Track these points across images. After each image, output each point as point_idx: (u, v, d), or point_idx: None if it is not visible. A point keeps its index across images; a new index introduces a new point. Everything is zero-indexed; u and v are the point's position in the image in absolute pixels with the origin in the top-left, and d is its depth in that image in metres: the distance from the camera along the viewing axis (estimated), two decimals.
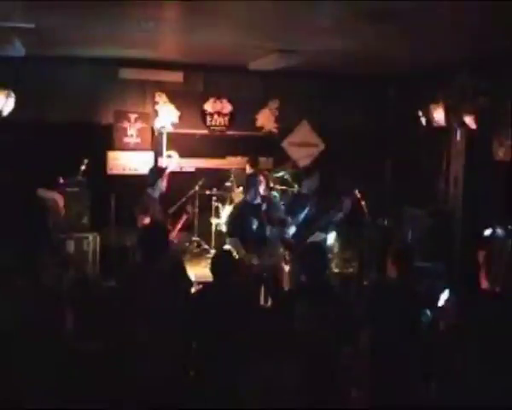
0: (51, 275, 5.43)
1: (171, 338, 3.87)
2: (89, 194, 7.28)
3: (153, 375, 3.69)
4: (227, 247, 6.19)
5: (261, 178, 6.21)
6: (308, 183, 6.45)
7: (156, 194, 6.02)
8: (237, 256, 5.53)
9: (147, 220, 5.83)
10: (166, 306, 3.92)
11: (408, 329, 3.92)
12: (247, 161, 8.01)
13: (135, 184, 7.84)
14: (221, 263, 4.16)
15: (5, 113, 6.92)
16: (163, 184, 6.06)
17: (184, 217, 6.14)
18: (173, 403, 3.71)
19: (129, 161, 8.38)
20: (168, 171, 6.35)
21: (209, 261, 4.33)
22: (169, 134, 8.48)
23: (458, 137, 7.44)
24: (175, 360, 3.91)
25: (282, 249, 6.18)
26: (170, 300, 3.94)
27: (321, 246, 5.76)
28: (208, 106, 8.69)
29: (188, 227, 7.38)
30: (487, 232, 5.63)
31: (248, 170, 7.78)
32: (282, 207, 6.60)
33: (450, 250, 7.00)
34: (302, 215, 6.28)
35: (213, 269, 4.13)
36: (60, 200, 6.72)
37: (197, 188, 7.91)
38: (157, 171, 6.34)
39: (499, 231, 5.34)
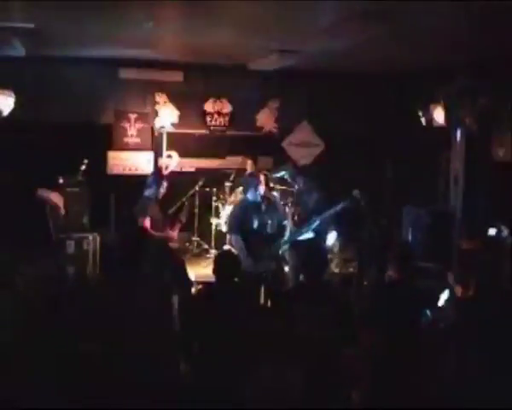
0: (51, 275, 5.43)
1: (169, 339, 3.87)
2: (89, 194, 7.27)
3: (152, 375, 3.69)
4: (227, 246, 6.20)
5: (261, 177, 6.20)
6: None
7: (154, 196, 6.04)
8: (237, 253, 5.52)
9: (147, 222, 5.85)
10: (165, 308, 3.94)
11: (408, 329, 3.92)
12: (249, 159, 8.05)
13: (135, 184, 7.86)
14: (224, 264, 4.15)
15: (5, 113, 6.92)
16: (163, 186, 6.08)
17: (178, 225, 6.20)
18: (173, 404, 3.71)
19: (129, 161, 8.38)
20: (167, 173, 6.37)
21: (209, 261, 4.34)
22: (169, 134, 8.48)
23: (458, 137, 7.44)
24: (174, 361, 3.91)
25: (281, 250, 6.17)
26: (169, 302, 3.95)
27: (320, 246, 5.78)
28: (208, 106, 8.69)
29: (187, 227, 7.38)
30: (492, 232, 5.64)
31: (249, 169, 7.78)
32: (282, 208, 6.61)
33: (450, 250, 7.00)
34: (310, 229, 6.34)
35: (216, 269, 4.12)
36: (60, 200, 6.72)
37: (197, 188, 7.90)
38: (157, 174, 6.34)
39: (504, 230, 5.36)
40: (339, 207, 6.25)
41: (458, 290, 4.00)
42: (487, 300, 3.74)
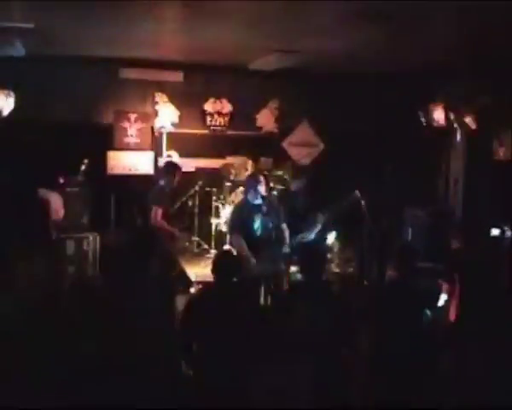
0: (51, 275, 5.43)
1: (170, 339, 3.87)
2: (89, 194, 7.28)
3: (152, 375, 3.70)
4: (227, 246, 6.20)
5: (262, 178, 6.21)
6: (296, 183, 6.70)
7: (168, 185, 6.15)
8: (237, 254, 5.53)
9: (160, 212, 5.94)
10: (167, 308, 3.94)
11: (408, 329, 3.92)
12: (251, 159, 8.08)
13: (135, 184, 7.87)
14: (223, 264, 4.15)
15: (5, 113, 6.92)
16: (175, 180, 6.19)
17: (179, 224, 6.33)
18: (173, 404, 3.71)
19: (129, 161, 8.37)
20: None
21: (209, 261, 4.33)
22: (169, 134, 8.48)
23: (458, 137, 7.44)
24: (173, 360, 3.91)
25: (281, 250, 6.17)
26: (172, 302, 3.95)
27: (319, 246, 5.79)
28: (208, 106, 8.68)
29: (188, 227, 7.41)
30: (495, 232, 5.65)
31: (250, 169, 7.79)
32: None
33: (450, 250, 7.00)
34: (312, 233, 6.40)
35: (215, 270, 4.12)
36: (60, 200, 6.72)
37: (197, 188, 7.90)
38: (171, 167, 6.44)
39: (508, 231, 5.37)
40: (343, 204, 6.31)
41: (445, 288, 4.04)
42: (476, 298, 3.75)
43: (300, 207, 6.70)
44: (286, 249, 6.05)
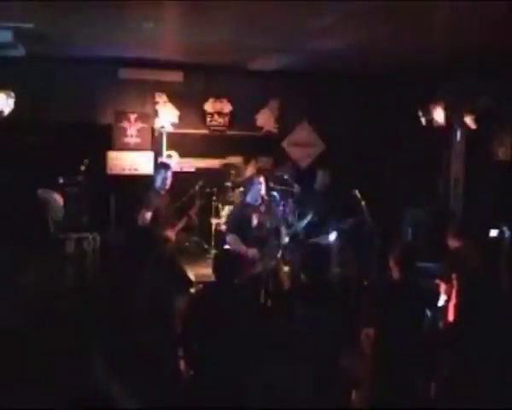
0: (51, 275, 5.43)
1: (170, 339, 3.87)
2: (89, 194, 7.27)
3: (152, 375, 3.69)
4: (227, 246, 6.20)
5: (262, 179, 6.21)
6: (320, 178, 6.69)
7: (161, 189, 6.15)
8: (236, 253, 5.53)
9: (148, 215, 5.92)
10: (166, 309, 3.94)
11: (409, 329, 3.92)
12: (249, 161, 8.08)
13: (135, 184, 7.87)
14: (224, 263, 4.16)
15: (5, 113, 6.92)
16: (167, 180, 6.18)
17: (185, 219, 6.30)
18: (173, 403, 3.71)
19: (129, 161, 8.38)
20: (172, 167, 6.50)
21: (209, 261, 4.34)
22: (169, 134, 8.49)
23: (458, 137, 7.44)
24: (173, 360, 3.91)
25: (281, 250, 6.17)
26: (170, 303, 3.95)
27: (321, 247, 5.78)
28: (208, 106, 8.68)
29: (188, 228, 7.39)
30: (494, 233, 5.65)
31: (249, 171, 7.79)
32: (282, 208, 6.61)
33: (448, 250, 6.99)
34: (304, 223, 6.39)
35: (216, 269, 4.13)
36: (59, 200, 6.72)
37: (197, 188, 7.90)
38: (161, 167, 6.46)
39: (506, 231, 5.37)
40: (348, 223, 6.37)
41: (443, 288, 4.04)
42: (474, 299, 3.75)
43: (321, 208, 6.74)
44: (283, 241, 6.04)
